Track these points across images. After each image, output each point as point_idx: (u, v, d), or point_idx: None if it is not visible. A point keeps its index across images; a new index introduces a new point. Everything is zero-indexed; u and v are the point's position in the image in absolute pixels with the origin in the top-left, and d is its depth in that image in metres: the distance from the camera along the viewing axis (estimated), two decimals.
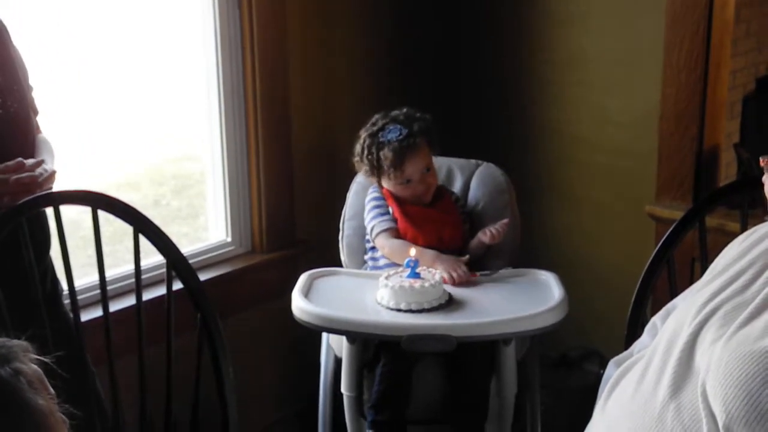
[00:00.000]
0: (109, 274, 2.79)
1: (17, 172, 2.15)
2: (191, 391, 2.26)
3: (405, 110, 2.82)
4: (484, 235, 2.74)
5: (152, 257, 2.74)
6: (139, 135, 4.43)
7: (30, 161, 2.19)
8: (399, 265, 2.63)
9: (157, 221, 2.29)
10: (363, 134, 2.82)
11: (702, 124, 3.09)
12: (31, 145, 2.30)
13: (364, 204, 2.86)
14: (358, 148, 2.82)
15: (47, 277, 2.39)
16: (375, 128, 2.80)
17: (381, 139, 2.77)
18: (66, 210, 2.26)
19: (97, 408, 2.33)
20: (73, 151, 3.40)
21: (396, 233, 2.77)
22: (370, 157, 2.78)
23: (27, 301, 2.20)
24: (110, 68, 2.89)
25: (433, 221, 2.77)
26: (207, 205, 3.25)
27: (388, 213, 2.79)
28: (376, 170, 2.78)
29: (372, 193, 2.85)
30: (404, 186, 2.78)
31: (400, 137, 2.74)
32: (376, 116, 2.83)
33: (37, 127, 2.39)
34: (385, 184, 2.81)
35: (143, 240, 2.26)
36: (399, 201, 2.79)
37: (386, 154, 2.75)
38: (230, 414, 2.27)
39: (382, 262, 2.78)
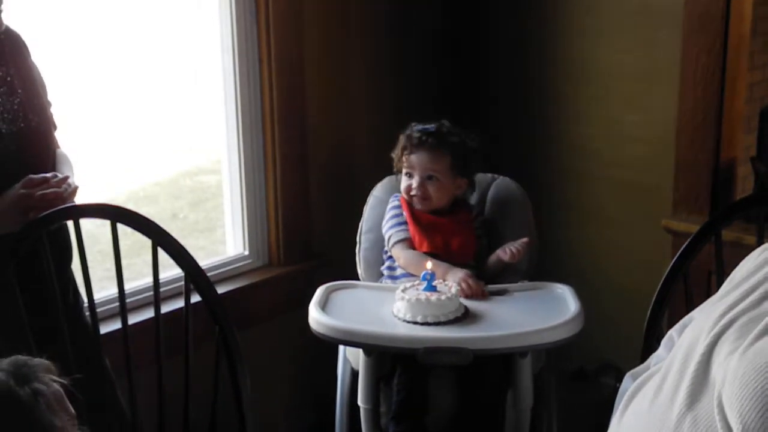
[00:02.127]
0: (128, 287, 2.80)
1: (42, 188, 2.17)
2: (209, 404, 2.27)
3: (462, 129, 2.87)
4: (504, 254, 2.73)
5: (170, 270, 2.76)
6: (156, 149, 4.45)
7: (55, 177, 2.21)
8: (415, 277, 2.64)
9: (174, 234, 2.30)
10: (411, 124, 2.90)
11: (719, 137, 3.09)
12: (52, 160, 2.33)
13: (384, 215, 2.88)
14: None
15: (69, 289, 2.41)
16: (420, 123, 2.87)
17: (413, 126, 2.85)
18: (84, 223, 2.28)
19: (117, 419, 2.34)
20: (91, 165, 3.42)
21: (411, 243, 2.78)
22: (398, 142, 2.85)
23: (49, 314, 2.21)
24: (129, 83, 2.91)
25: (443, 230, 2.78)
26: (225, 219, 3.26)
27: (405, 222, 2.81)
28: (397, 155, 2.85)
29: (392, 201, 2.88)
30: (405, 179, 2.82)
31: (425, 130, 2.80)
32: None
33: (57, 142, 2.41)
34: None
35: (161, 253, 2.27)
36: (412, 206, 2.81)
37: (405, 138, 2.83)
38: (248, 426, 2.27)
39: (398, 272, 2.80)
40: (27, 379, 1.16)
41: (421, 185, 2.79)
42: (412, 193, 2.80)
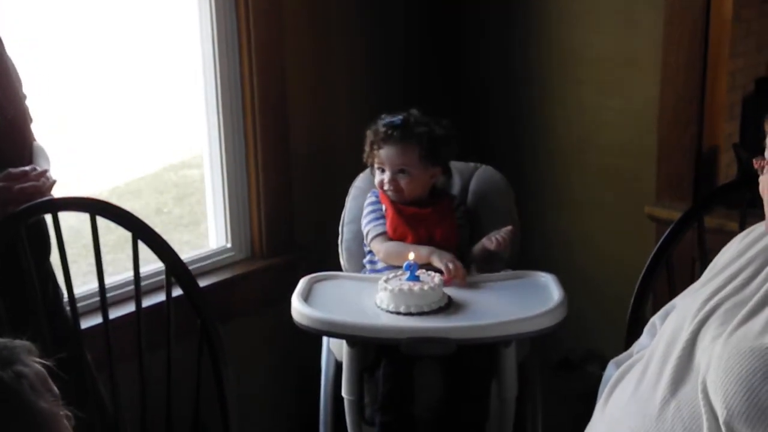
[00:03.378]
0: (110, 280, 2.80)
1: (20, 181, 2.15)
2: (192, 397, 2.26)
3: (433, 117, 2.84)
4: (490, 242, 2.72)
5: (153, 264, 2.75)
6: (139, 143, 4.43)
7: (34, 170, 2.19)
8: (398, 268, 2.63)
9: (158, 229, 2.29)
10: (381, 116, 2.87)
11: (701, 124, 3.08)
12: (29, 152, 2.31)
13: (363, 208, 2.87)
14: None
15: (48, 283, 2.39)
16: (389, 115, 2.83)
17: (380, 120, 2.82)
18: (68, 218, 2.27)
19: (99, 413, 2.33)
20: (75, 159, 3.40)
21: (389, 237, 2.78)
22: (367, 134, 2.83)
23: (27, 308, 2.20)
24: (111, 77, 2.89)
25: (426, 221, 2.77)
26: (207, 211, 3.25)
27: (383, 217, 2.80)
28: (368, 148, 2.83)
29: (369, 197, 2.86)
30: (378, 173, 2.80)
31: (391, 123, 2.77)
32: (411, 109, 2.86)
33: (33, 135, 2.39)
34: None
35: (144, 248, 2.26)
36: (391, 199, 2.80)
37: (372, 132, 2.80)
38: (231, 419, 2.27)
39: (380, 265, 2.79)
40: (8, 362, 1.15)
41: (393, 180, 2.78)
42: (385, 187, 2.79)
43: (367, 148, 2.83)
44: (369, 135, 2.82)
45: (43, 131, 2.44)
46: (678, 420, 1.60)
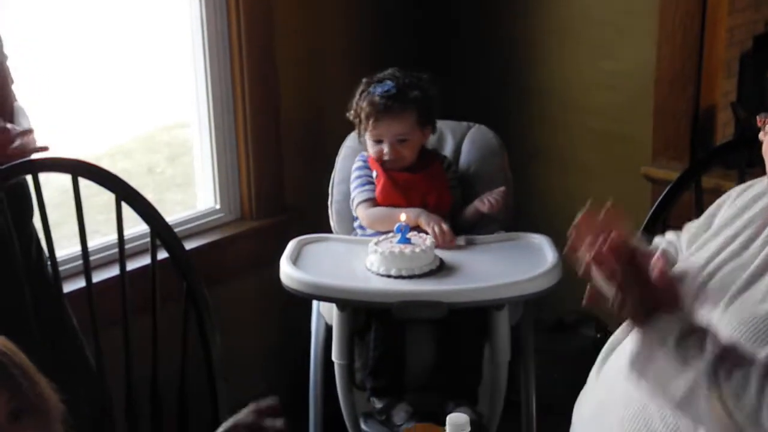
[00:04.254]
0: (99, 242, 2.78)
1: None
2: (179, 361, 2.23)
3: (415, 74, 2.76)
4: (482, 205, 2.69)
5: (142, 226, 2.70)
6: (130, 102, 4.39)
7: (15, 130, 2.15)
8: (388, 234, 2.58)
9: (151, 189, 2.26)
10: (363, 80, 2.78)
11: (699, 83, 3.04)
12: (9, 112, 2.26)
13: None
14: (355, 94, 2.78)
15: (31, 245, 2.35)
16: (374, 78, 2.75)
17: (370, 89, 2.72)
18: (58, 180, 2.22)
19: (85, 378, 2.30)
20: (63, 119, 3.35)
21: (376, 203, 2.72)
22: (357, 103, 2.74)
23: (11, 271, 2.16)
24: (101, 36, 2.84)
25: (418, 187, 2.72)
26: (194, 172, 3.20)
27: (370, 183, 2.74)
28: (357, 119, 2.74)
29: (357, 162, 2.80)
30: (374, 145, 2.73)
31: (386, 93, 2.69)
32: (389, 70, 2.78)
33: (14, 95, 2.34)
34: (365, 136, 2.76)
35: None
36: (384, 166, 2.74)
37: (366, 104, 2.70)
38: (218, 383, 2.24)
39: (370, 230, 2.74)
40: None
41: (393, 150, 2.71)
42: (386, 158, 2.72)
43: (361, 119, 2.73)
44: (363, 108, 2.71)
45: (34, 93, 2.39)
46: None
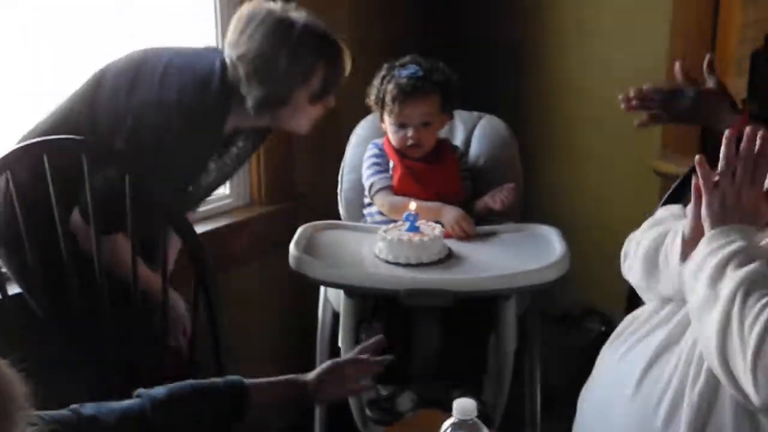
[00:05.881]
0: None
1: None
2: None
3: (435, 61, 2.76)
4: (493, 202, 2.69)
5: None
6: None
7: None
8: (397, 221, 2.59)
9: None
10: (385, 65, 2.77)
11: None
12: None
13: (363, 159, 2.81)
14: (376, 78, 2.77)
15: None
16: (397, 62, 2.75)
17: (395, 72, 2.71)
18: None
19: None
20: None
21: (394, 191, 2.72)
22: (380, 86, 2.73)
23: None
24: (109, 11, 2.84)
25: (434, 178, 2.72)
26: None
27: (387, 170, 2.74)
28: (381, 102, 2.72)
29: (371, 149, 2.80)
30: (397, 130, 2.71)
31: (413, 75, 2.68)
32: (408, 56, 2.77)
33: None
34: (385, 120, 2.75)
35: None
36: (401, 155, 2.74)
37: (393, 87, 2.68)
38: (226, 367, 2.25)
39: (378, 218, 2.74)
40: None
41: (417, 134, 2.70)
42: (409, 143, 2.70)
43: (386, 104, 2.70)
44: (389, 90, 2.69)
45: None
46: (675, 367, 1.61)
